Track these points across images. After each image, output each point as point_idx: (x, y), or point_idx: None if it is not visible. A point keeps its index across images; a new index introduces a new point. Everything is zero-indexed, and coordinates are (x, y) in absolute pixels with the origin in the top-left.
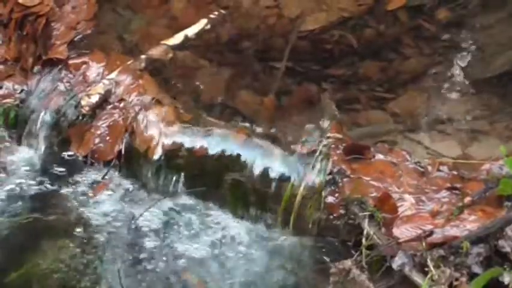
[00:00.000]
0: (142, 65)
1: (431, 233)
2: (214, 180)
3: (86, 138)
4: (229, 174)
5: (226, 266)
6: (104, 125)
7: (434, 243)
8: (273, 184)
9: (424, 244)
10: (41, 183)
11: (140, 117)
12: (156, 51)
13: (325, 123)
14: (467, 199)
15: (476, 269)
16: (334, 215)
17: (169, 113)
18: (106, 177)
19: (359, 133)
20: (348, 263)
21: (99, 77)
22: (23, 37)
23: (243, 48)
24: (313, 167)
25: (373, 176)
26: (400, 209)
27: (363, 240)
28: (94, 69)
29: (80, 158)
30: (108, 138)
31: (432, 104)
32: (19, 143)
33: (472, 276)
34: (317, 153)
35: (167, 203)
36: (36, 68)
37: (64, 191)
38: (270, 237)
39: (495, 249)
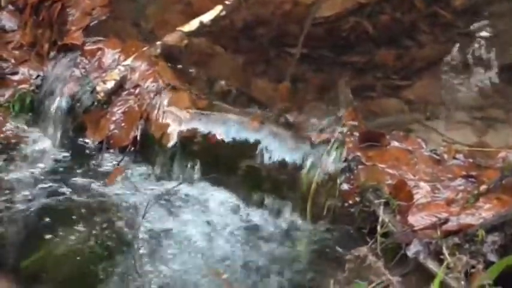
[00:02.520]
0: (158, 51)
1: (446, 221)
2: (229, 167)
3: (102, 124)
4: (244, 161)
5: (240, 253)
6: (119, 111)
7: (449, 231)
8: (288, 171)
9: (439, 232)
10: (56, 168)
11: (155, 103)
12: (171, 38)
13: (341, 111)
14: (482, 187)
15: (492, 257)
16: (350, 203)
17: (185, 100)
18: (121, 163)
19: (379, 123)
20: (363, 250)
21: (114, 63)
22: (38, 22)
23: (258, 34)
24: (328, 155)
25: (388, 163)
26: (415, 197)
27: (378, 227)
28: (109, 55)
29: (96, 144)
30: (123, 124)
31: (447, 92)
32: (34, 128)
33: (487, 264)
34: (332, 141)
35: (182, 190)
36: (51, 54)
37: (79, 176)
38: (285, 224)
39: (511, 238)
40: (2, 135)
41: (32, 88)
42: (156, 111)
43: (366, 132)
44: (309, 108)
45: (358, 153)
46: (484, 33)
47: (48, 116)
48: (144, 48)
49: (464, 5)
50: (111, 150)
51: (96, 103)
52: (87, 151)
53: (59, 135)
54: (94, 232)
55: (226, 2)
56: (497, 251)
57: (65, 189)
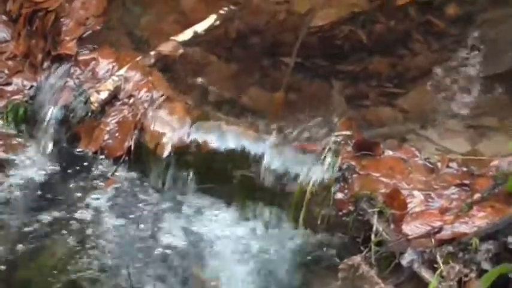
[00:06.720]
0: (152, 61)
1: (440, 229)
2: (223, 177)
3: (96, 134)
4: (238, 170)
5: (235, 262)
6: (113, 121)
7: (443, 239)
8: (282, 180)
9: (433, 241)
10: (49, 179)
11: (149, 113)
12: (165, 47)
13: (335, 120)
14: (476, 195)
15: (486, 266)
16: (344, 212)
17: (179, 109)
18: (115, 173)
19: (373, 134)
20: (357, 259)
21: (108, 73)
22: (32, 33)
23: (253, 44)
24: (322, 164)
25: (382, 172)
26: (409, 206)
27: (372, 236)
28: (103, 65)
29: (90, 154)
30: (117, 134)
31: (441, 100)
32: (28, 139)
33: (481, 272)
34: (326, 150)
35: (176, 200)
36: (45, 64)
37: (73, 187)
38: (279, 233)
39: (504, 246)
40: None
41: (25, 99)
42: (150, 121)
43: (360, 141)
44: (303, 117)
45: (352, 162)
46: (477, 42)
47: (42, 127)
48: (138, 58)
49: (457, 14)
50: (106, 161)
51: (90, 113)
52: (81, 162)
53: (52, 145)
54: (86, 244)
55: (221, 11)
56: (491, 260)
57: (57, 201)
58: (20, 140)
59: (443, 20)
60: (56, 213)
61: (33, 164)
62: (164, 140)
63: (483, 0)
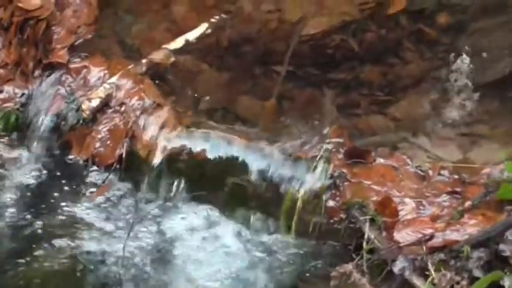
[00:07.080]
0: (143, 69)
1: (431, 237)
2: (215, 185)
3: (87, 142)
4: (230, 178)
5: (226, 270)
6: (104, 129)
7: (434, 247)
8: (274, 188)
9: (424, 248)
10: (40, 187)
11: (141, 121)
12: (157, 56)
13: (326, 128)
14: (467, 203)
15: (477, 273)
16: (335, 219)
17: (170, 117)
18: (106, 181)
19: (365, 143)
20: (348, 266)
21: (99, 81)
22: (23, 41)
23: (244, 52)
24: (314, 171)
25: (374, 180)
26: (400, 213)
27: (364, 244)
28: (95, 73)
29: (81, 162)
30: (108, 142)
31: (433, 109)
32: (19, 147)
33: (472, 280)
34: (318, 158)
35: (167, 207)
36: (36, 72)
37: (64, 195)
38: (271, 241)
39: (496, 254)
40: None
41: (16, 107)
42: (141, 129)
43: (352, 149)
44: (295, 125)
45: (344, 170)
46: (468, 50)
47: (33, 135)
48: (130, 66)
49: (449, 22)
50: (97, 168)
51: (81, 121)
52: (73, 169)
53: (44, 153)
54: (76, 251)
55: (212, 20)
56: (483, 267)
57: (48, 207)
58: (11, 147)
59: (435, 28)
60: (44, 221)
61: (24, 171)
62: (155, 147)
63: (474, 9)
